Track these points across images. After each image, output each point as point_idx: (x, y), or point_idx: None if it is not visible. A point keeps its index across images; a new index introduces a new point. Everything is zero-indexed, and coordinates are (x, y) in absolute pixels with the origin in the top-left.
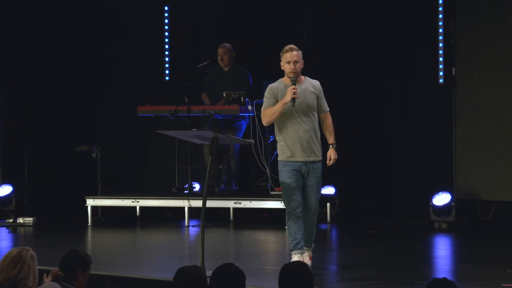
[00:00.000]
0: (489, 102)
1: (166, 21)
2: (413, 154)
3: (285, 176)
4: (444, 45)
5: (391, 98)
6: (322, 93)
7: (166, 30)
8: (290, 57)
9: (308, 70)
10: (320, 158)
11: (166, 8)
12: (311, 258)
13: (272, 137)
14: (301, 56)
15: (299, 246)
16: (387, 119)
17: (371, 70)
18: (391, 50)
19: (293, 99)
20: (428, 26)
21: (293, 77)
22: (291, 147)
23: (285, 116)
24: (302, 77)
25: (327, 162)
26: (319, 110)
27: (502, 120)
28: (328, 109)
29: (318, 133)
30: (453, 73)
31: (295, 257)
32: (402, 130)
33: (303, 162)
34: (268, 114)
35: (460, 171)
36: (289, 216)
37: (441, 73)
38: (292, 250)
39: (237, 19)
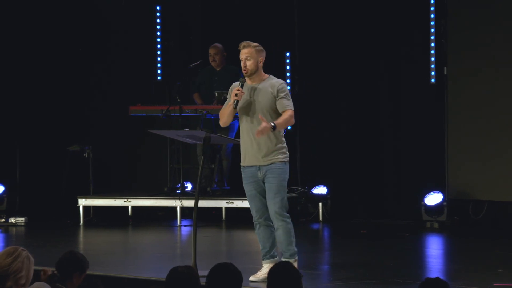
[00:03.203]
0: (480, 101)
1: (158, 20)
2: (405, 153)
3: (244, 183)
4: (435, 45)
5: (383, 97)
6: (283, 92)
7: (158, 30)
8: (242, 54)
9: (299, 69)
10: (279, 160)
11: (158, 8)
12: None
13: None
14: (256, 52)
15: (269, 255)
16: (379, 119)
17: (363, 70)
18: (383, 50)
19: (236, 102)
20: (419, 26)
21: (241, 79)
22: (244, 150)
23: (242, 117)
24: (266, 75)
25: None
26: (279, 109)
27: (494, 119)
28: (289, 108)
29: (279, 135)
30: (445, 73)
31: (265, 266)
32: (394, 129)
33: (256, 166)
34: (220, 115)
35: (452, 171)
36: (254, 225)
37: (432, 73)
38: (262, 259)
39: (227, 18)
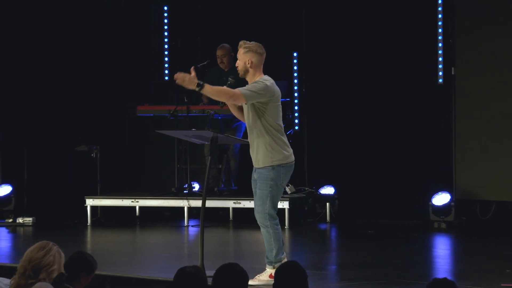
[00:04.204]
0: (488, 101)
1: (166, 21)
2: (413, 154)
3: None
4: (443, 45)
5: (391, 97)
6: (252, 84)
7: (166, 30)
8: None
9: (306, 69)
10: (266, 165)
11: (165, 8)
12: (272, 276)
13: None
14: (244, 53)
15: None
16: (386, 119)
17: (370, 70)
18: (390, 50)
19: (222, 102)
20: (427, 26)
21: (230, 78)
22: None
23: None
24: (258, 76)
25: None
26: None
27: (502, 119)
28: (241, 90)
29: (265, 136)
30: (453, 73)
31: (267, 270)
32: (402, 130)
33: (254, 168)
34: None
35: (460, 171)
36: None
37: (440, 73)
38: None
39: (235, 18)
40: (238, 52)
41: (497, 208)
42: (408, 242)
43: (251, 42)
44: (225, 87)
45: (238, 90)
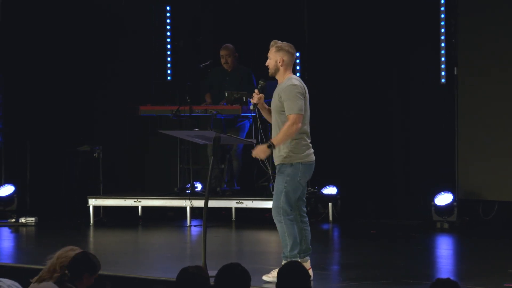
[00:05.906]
0: (491, 101)
1: (168, 21)
2: (415, 154)
3: None
4: (446, 44)
5: (393, 97)
6: (286, 95)
7: (168, 30)
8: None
9: (309, 69)
10: (283, 162)
11: (168, 8)
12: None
13: None
14: (275, 52)
15: (284, 255)
16: (389, 119)
17: (373, 70)
18: (393, 50)
19: (254, 104)
20: (430, 25)
21: (261, 82)
22: None
23: None
24: (287, 75)
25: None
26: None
27: (505, 119)
28: (289, 112)
29: None
30: (455, 73)
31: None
32: (404, 130)
33: (275, 165)
34: None
35: (462, 171)
36: None
37: (443, 73)
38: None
39: (238, 18)
40: (270, 51)
41: (500, 208)
42: (411, 242)
43: (283, 42)
44: (284, 126)
45: (289, 116)
